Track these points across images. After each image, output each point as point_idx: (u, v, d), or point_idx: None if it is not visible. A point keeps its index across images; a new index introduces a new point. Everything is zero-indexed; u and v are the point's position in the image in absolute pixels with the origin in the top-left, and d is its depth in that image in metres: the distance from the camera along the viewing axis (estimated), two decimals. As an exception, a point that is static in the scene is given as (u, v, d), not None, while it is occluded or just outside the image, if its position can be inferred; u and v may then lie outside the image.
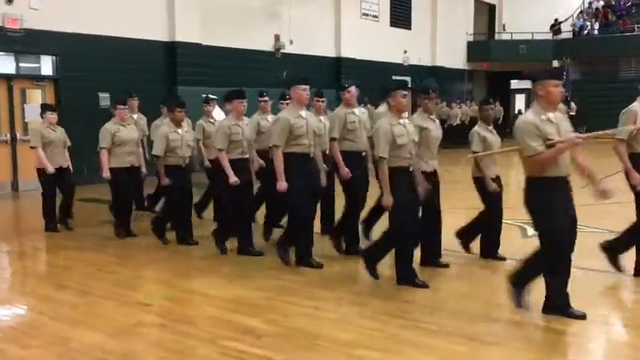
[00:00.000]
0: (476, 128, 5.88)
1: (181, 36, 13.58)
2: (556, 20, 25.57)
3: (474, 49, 25.24)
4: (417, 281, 5.09)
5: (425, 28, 22.73)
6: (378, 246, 5.30)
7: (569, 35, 25.43)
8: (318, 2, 17.15)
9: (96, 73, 12.09)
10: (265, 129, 6.67)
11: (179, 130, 6.62)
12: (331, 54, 18.19)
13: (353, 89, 6.21)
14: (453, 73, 23.75)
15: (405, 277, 5.11)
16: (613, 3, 26.40)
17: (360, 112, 6.28)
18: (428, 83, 5.88)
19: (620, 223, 5.54)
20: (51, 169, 7.39)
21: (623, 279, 5.37)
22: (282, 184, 5.49)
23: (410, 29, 21.90)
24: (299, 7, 16.47)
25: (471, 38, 25.51)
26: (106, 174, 7.04)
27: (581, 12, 26.29)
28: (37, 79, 11.72)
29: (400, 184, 5.00)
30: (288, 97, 6.86)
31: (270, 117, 6.81)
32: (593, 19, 25.41)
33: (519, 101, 26.88)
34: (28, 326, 4.47)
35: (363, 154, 6.20)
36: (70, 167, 7.80)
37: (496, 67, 25.28)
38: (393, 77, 20.43)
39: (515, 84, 26.64)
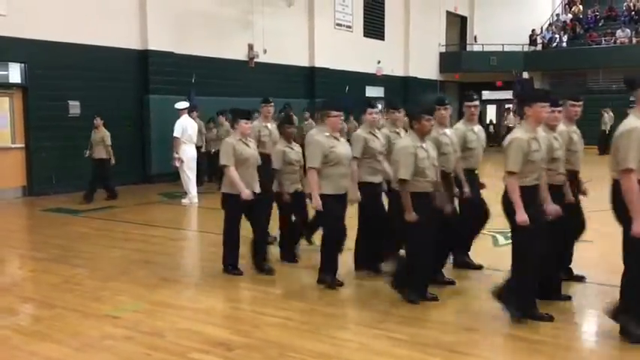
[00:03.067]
0: None
1: (154, 44, 13.43)
2: (533, 31, 26.06)
3: (446, 60, 25.56)
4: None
5: (398, 39, 22.93)
6: None
7: (539, 47, 25.92)
8: (291, 12, 17.18)
9: (66, 81, 11.88)
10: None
11: (424, 145, 4.95)
12: (305, 64, 18.21)
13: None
14: (426, 84, 23.98)
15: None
16: (581, 16, 27.00)
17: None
18: None
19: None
20: (247, 193, 5.66)
21: (587, 286, 5.43)
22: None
23: (383, 40, 22.07)
24: (273, 16, 16.47)
25: (443, 49, 25.83)
26: (317, 202, 5.25)
27: (550, 24, 26.84)
28: (4, 86, 11.44)
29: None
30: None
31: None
32: (562, 32, 25.94)
33: (490, 112, 27.26)
34: (-10, 340, 4.33)
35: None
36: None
37: (467, 77, 25.62)
38: (367, 87, 20.71)
39: (486, 95, 27.06)
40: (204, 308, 4.90)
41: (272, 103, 7.54)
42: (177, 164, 10.46)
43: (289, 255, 6.33)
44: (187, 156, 10.50)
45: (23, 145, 11.61)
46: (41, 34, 11.40)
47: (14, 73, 11.43)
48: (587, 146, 6.13)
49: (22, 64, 11.44)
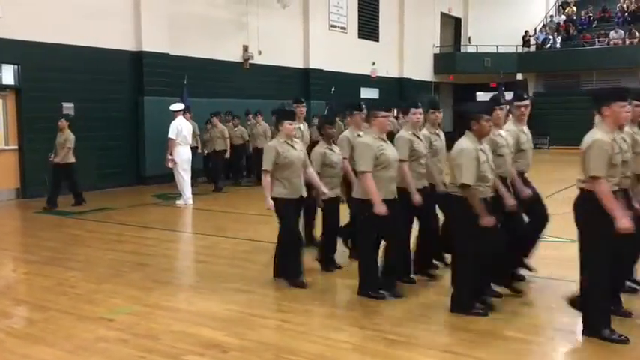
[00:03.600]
0: None
1: (148, 46, 13.39)
2: (526, 33, 26.13)
3: (441, 62, 25.61)
4: None
5: (392, 41, 22.96)
6: None
7: (533, 49, 26.00)
8: (286, 13, 17.15)
9: (60, 83, 11.82)
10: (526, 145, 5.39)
11: (482, 147, 4.71)
12: (299, 65, 18.20)
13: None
14: (420, 85, 24.03)
15: None
16: (574, 18, 27.10)
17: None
18: None
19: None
20: (270, 204, 5.42)
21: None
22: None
23: (378, 41, 22.09)
24: (267, 17, 16.46)
25: (438, 51, 25.88)
26: (381, 208, 4.86)
27: (543, 26, 26.92)
28: (-3, 88, 11.42)
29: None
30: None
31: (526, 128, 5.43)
32: (555, 33, 26.02)
33: (485, 113, 27.30)
34: (-18, 343, 4.30)
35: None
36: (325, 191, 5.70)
37: (462, 79, 25.69)
38: (362, 89, 20.71)
39: (480, 96, 27.11)
40: (198, 310, 4.88)
41: (304, 103, 7.10)
42: (171, 165, 10.45)
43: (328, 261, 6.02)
44: (182, 157, 10.48)
45: (17, 147, 11.56)
46: (35, 36, 11.35)
47: (7, 74, 11.37)
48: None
49: (16, 66, 11.38)
